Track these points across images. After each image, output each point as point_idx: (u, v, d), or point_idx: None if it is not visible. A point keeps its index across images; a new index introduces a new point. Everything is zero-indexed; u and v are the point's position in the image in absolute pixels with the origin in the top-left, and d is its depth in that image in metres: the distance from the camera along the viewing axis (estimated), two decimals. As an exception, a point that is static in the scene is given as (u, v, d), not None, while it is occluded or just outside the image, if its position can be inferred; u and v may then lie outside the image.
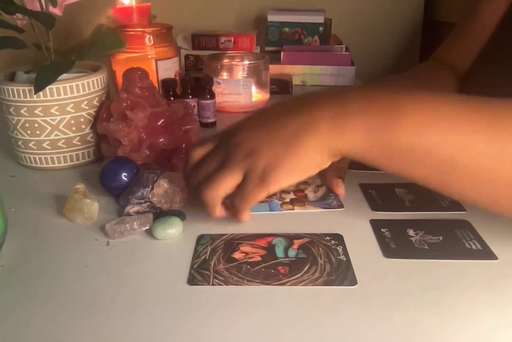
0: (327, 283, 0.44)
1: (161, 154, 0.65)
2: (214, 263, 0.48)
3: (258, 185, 0.46)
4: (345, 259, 0.48)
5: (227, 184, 0.47)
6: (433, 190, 0.45)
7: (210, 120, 0.88)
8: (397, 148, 0.43)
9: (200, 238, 0.52)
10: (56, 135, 0.68)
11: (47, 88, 0.64)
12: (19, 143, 0.69)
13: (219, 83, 0.93)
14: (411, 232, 0.52)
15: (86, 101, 0.68)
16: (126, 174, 0.59)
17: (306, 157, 0.45)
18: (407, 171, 0.44)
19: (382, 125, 0.43)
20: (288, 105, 0.49)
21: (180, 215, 0.55)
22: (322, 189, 0.62)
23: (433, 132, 0.42)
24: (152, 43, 0.92)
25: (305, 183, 0.63)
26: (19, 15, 0.68)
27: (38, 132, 0.67)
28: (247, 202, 0.48)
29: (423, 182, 0.44)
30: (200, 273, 0.46)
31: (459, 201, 0.46)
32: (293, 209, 0.57)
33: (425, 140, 0.42)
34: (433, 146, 0.41)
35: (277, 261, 0.48)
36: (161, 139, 0.64)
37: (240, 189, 0.48)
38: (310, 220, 0.56)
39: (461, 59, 0.83)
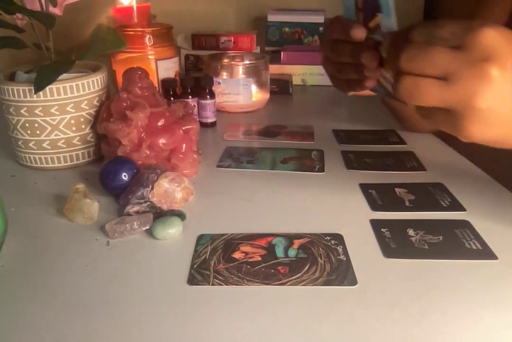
0: (327, 283, 0.44)
1: (161, 154, 0.65)
2: (214, 263, 0.48)
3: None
4: (345, 259, 0.48)
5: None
6: None
7: (210, 120, 0.88)
8: None
9: (200, 238, 0.52)
10: (56, 135, 0.68)
11: (47, 88, 0.64)
12: (19, 143, 0.69)
13: (219, 83, 0.93)
14: (411, 232, 0.52)
15: (86, 101, 0.68)
16: (126, 174, 0.59)
17: None
18: None
19: None
20: None
21: (180, 215, 0.55)
22: None
23: None
24: (152, 43, 0.92)
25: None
26: (19, 15, 0.68)
27: (38, 132, 0.67)
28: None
29: None
30: (200, 273, 0.46)
31: None
32: None
33: None
34: None
35: (277, 261, 0.48)
36: (161, 139, 0.64)
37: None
38: (310, 219, 0.56)
39: None
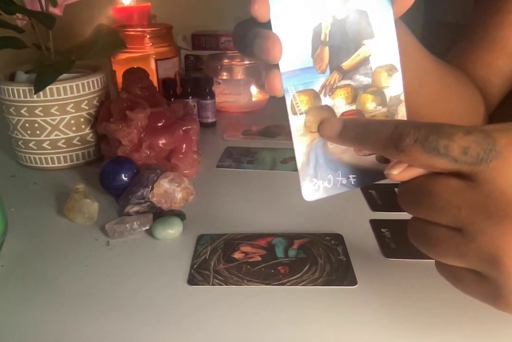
0: (327, 283, 0.44)
1: (161, 154, 0.65)
2: (214, 263, 0.48)
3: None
4: (345, 259, 0.48)
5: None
6: None
7: (210, 120, 0.88)
8: None
9: (200, 238, 0.52)
10: (56, 135, 0.68)
11: (47, 88, 0.64)
12: (19, 143, 0.69)
13: (219, 83, 0.93)
14: (411, 232, 0.52)
15: (86, 101, 0.68)
16: (126, 174, 0.59)
17: None
18: None
19: None
20: None
21: (180, 215, 0.55)
22: None
23: None
24: (152, 43, 0.92)
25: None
26: (19, 15, 0.68)
27: (38, 132, 0.67)
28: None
29: None
30: (200, 273, 0.46)
31: None
32: None
33: None
34: None
35: (277, 261, 0.48)
36: (161, 140, 0.64)
37: None
38: (310, 219, 0.56)
39: (495, 78, 0.63)
